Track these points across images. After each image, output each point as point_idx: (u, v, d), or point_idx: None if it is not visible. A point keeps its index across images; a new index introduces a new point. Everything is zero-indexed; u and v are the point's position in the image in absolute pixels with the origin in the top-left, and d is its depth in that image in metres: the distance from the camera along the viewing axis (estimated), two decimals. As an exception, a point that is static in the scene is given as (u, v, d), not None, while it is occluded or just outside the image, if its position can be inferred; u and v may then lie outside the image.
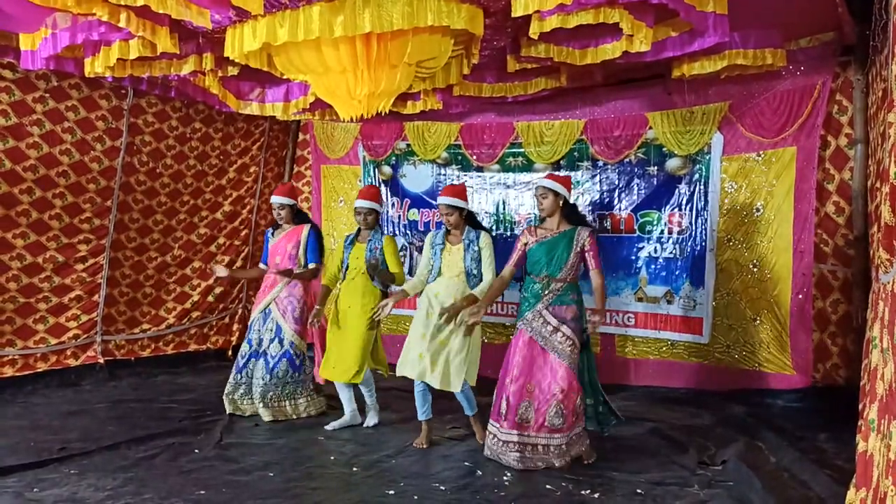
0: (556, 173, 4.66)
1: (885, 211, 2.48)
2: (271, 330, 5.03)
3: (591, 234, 4.10)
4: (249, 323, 5.18)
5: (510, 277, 4.24)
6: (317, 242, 5.12)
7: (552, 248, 4.08)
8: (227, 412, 4.99)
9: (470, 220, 4.53)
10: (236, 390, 5.04)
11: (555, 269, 4.06)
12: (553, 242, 4.10)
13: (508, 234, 6.55)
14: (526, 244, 4.18)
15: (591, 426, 4.23)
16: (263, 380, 4.96)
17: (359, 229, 4.93)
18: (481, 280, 4.34)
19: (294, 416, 5.02)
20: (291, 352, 5.02)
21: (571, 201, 4.27)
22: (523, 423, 3.98)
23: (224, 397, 5.04)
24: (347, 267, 4.85)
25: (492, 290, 4.22)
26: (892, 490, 1.98)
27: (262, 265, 5.30)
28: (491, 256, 4.37)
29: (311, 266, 5.09)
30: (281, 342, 5.01)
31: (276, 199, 5.15)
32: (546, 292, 4.05)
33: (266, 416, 4.93)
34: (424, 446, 4.40)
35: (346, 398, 4.88)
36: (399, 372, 4.40)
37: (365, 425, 4.87)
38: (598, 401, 4.28)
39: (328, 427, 4.78)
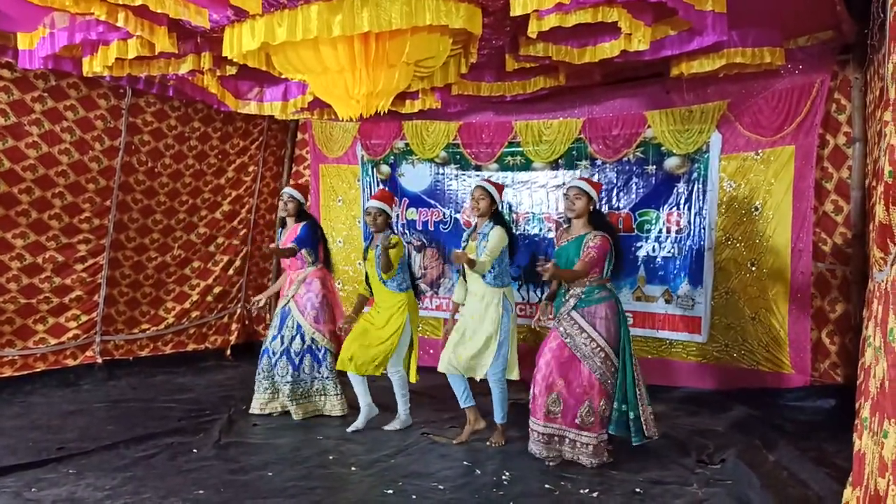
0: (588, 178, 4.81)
1: (879, 209, 2.48)
2: (291, 328, 5.07)
3: (599, 237, 4.06)
4: (271, 322, 5.27)
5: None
6: (306, 232, 5.07)
7: (566, 253, 4.14)
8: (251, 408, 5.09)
9: (495, 217, 4.55)
10: (259, 386, 5.11)
11: None
12: (567, 247, 4.16)
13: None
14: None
15: (620, 432, 3.99)
16: (291, 377, 5.00)
17: (372, 237, 4.92)
18: (498, 274, 4.42)
19: (326, 412, 5.07)
20: (314, 347, 5.07)
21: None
22: (549, 415, 4.01)
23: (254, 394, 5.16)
24: (367, 277, 4.88)
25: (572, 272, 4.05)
26: (893, 489, 1.98)
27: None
28: (496, 247, 4.36)
29: (290, 246, 5.02)
30: (302, 339, 5.05)
31: (287, 191, 5.26)
32: (568, 296, 4.10)
33: (298, 414, 4.98)
34: (464, 439, 4.49)
35: (361, 391, 4.87)
36: (439, 368, 4.58)
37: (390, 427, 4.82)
38: (631, 408, 4.02)
39: (351, 429, 4.74)
